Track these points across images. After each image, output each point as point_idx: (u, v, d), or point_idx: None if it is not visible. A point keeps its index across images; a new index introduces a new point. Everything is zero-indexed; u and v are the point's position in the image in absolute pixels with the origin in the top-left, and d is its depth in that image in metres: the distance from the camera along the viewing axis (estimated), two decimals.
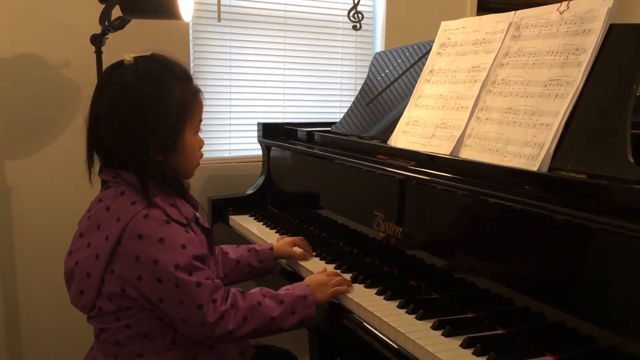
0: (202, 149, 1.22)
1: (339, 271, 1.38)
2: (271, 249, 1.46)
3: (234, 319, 1.10)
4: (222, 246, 1.43)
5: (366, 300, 1.24)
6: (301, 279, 1.46)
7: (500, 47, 1.39)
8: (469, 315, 1.17)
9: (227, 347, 1.24)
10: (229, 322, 1.09)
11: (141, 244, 1.05)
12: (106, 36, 1.71)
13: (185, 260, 1.06)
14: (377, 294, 1.27)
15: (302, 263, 1.49)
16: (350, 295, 1.26)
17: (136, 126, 1.09)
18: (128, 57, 1.12)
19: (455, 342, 1.05)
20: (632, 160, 1.02)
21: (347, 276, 1.35)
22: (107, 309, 1.10)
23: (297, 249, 1.51)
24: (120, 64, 1.13)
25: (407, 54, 1.83)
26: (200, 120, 1.20)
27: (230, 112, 2.38)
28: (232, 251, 1.42)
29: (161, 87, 1.11)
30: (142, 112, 1.09)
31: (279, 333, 1.18)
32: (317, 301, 1.21)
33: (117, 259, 1.06)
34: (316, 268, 1.44)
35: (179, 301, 1.06)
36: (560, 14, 1.27)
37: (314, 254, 1.55)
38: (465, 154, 1.35)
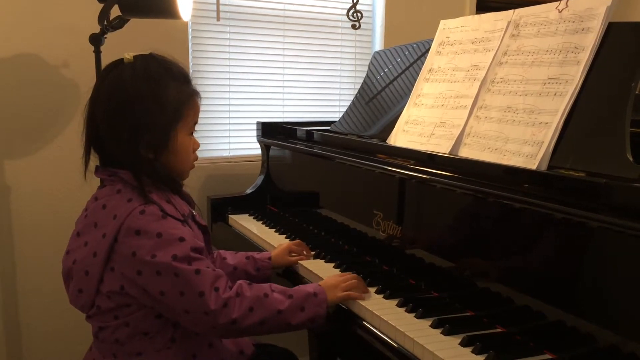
0: (198, 150, 1.22)
1: (354, 274, 1.31)
2: (269, 257, 1.45)
3: (239, 307, 1.09)
4: (221, 251, 1.43)
5: (365, 299, 1.24)
6: (300, 277, 1.46)
7: (499, 45, 1.39)
8: (468, 314, 1.17)
9: (227, 345, 1.24)
10: (234, 310, 1.08)
11: (139, 239, 1.05)
12: (105, 36, 1.71)
13: (183, 252, 1.06)
14: (377, 292, 1.27)
15: (302, 262, 1.49)
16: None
17: (129, 122, 1.09)
18: (128, 55, 1.13)
19: (454, 341, 1.05)
20: (631, 159, 1.02)
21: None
22: (106, 307, 1.10)
23: (294, 257, 1.50)
24: (119, 62, 1.13)
25: (407, 52, 1.83)
26: (195, 122, 1.19)
27: (229, 111, 2.38)
28: (231, 257, 1.42)
29: (156, 85, 1.11)
30: (135, 109, 1.09)
31: (288, 330, 1.16)
32: (327, 301, 1.19)
33: (116, 256, 1.07)
34: (316, 267, 1.44)
35: (180, 292, 1.05)
36: (560, 12, 1.27)
37: (313, 253, 1.55)
38: (465, 152, 1.35)
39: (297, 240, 1.57)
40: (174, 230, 1.07)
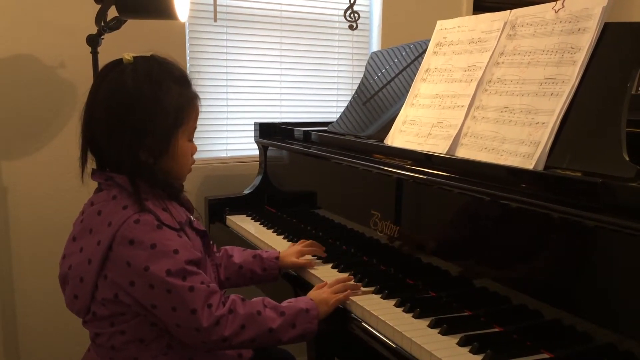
0: (195, 154, 1.20)
1: (345, 276, 1.34)
2: (277, 257, 1.42)
3: (231, 325, 1.08)
4: (228, 248, 1.41)
5: (363, 299, 1.24)
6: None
7: (496, 46, 1.39)
8: (466, 314, 1.18)
9: None
10: (225, 328, 1.07)
11: (132, 249, 1.03)
12: (102, 36, 1.71)
13: (177, 266, 1.04)
14: (374, 292, 1.27)
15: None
16: None
17: (130, 125, 1.07)
18: (127, 56, 1.11)
19: (452, 340, 1.05)
20: (627, 158, 1.02)
21: (345, 275, 1.35)
22: (101, 314, 1.08)
23: (302, 259, 1.46)
24: (118, 63, 1.12)
25: (404, 53, 1.83)
26: (195, 128, 1.18)
27: (226, 112, 2.38)
28: (238, 255, 1.39)
29: (159, 89, 1.09)
30: (137, 112, 1.07)
31: (278, 345, 1.16)
32: (320, 315, 1.18)
33: (110, 264, 1.05)
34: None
35: (172, 307, 1.04)
36: (556, 12, 1.27)
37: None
38: (462, 152, 1.35)
39: (310, 241, 1.52)
40: (169, 242, 1.05)
